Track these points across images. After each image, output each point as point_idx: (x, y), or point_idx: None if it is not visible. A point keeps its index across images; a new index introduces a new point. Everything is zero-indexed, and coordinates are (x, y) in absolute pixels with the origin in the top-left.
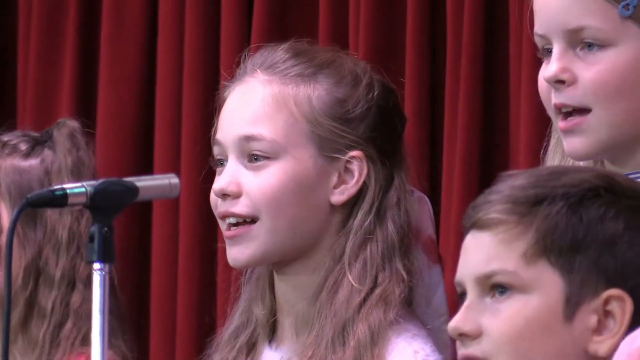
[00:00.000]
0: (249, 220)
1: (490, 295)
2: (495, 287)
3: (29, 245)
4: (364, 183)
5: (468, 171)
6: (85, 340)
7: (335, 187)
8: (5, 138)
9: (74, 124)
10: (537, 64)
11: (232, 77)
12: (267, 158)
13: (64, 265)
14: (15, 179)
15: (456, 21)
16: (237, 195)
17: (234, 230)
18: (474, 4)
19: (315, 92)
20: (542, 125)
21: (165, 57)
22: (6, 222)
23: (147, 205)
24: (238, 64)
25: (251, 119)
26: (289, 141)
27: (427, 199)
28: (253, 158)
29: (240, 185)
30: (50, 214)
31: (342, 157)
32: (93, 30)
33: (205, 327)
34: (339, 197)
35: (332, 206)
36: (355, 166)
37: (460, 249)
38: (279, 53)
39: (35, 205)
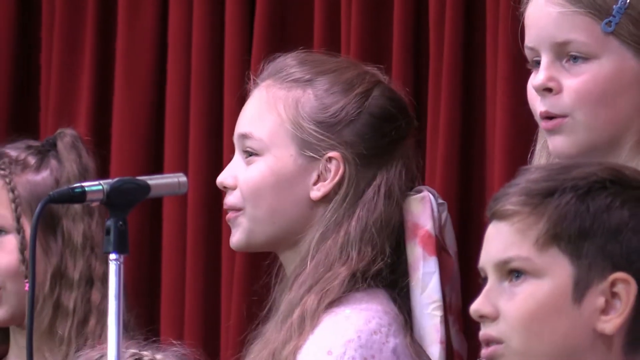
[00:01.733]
0: (237, 209)
1: (508, 280)
2: (512, 272)
3: (52, 255)
4: (339, 182)
5: (448, 169)
6: None
7: (314, 183)
8: (13, 153)
9: (73, 133)
10: (511, 75)
11: (245, 80)
12: (255, 154)
13: (81, 267)
14: (33, 193)
15: (438, 34)
16: (233, 188)
17: (229, 214)
18: (454, 18)
19: (304, 97)
20: (515, 129)
21: (174, 68)
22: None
23: (157, 202)
24: (241, 73)
25: (248, 118)
26: (273, 140)
27: (432, 198)
28: (247, 154)
29: (236, 178)
30: (66, 222)
31: (320, 157)
32: (109, 44)
33: (211, 313)
34: (316, 193)
35: (314, 202)
36: (333, 166)
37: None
38: (287, 60)
39: (56, 201)
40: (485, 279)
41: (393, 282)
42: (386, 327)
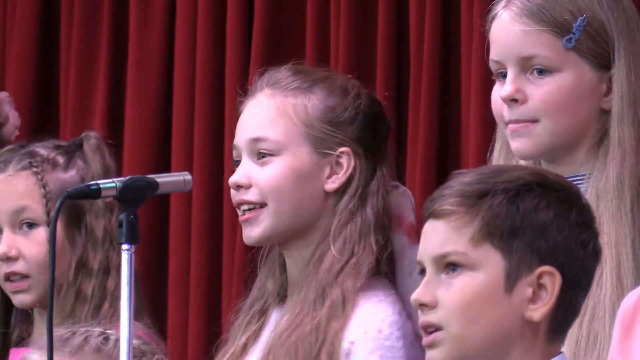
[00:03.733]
0: (259, 205)
1: (445, 273)
2: (449, 265)
3: (77, 247)
4: (351, 174)
5: (427, 168)
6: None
7: (328, 177)
8: (43, 152)
9: (97, 136)
10: (484, 83)
11: (238, 92)
12: (271, 155)
13: (100, 258)
14: (62, 190)
15: (418, 47)
16: (248, 186)
17: (247, 215)
18: (433, 33)
19: (310, 102)
20: (487, 131)
21: (180, 78)
22: (59, 227)
23: (165, 197)
24: (240, 83)
25: (259, 124)
26: (289, 141)
27: (410, 193)
28: (260, 155)
29: (250, 177)
30: (89, 218)
31: (333, 152)
32: (122, 56)
33: (214, 298)
34: (331, 185)
35: (327, 193)
36: (344, 160)
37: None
38: (282, 72)
39: (74, 197)
40: (422, 271)
41: (388, 270)
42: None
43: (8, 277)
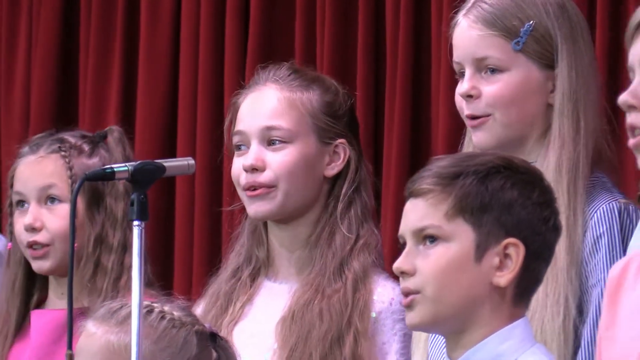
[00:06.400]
0: (271, 187)
1: (423, 244)
2: (426, 237)
3: (95, 224)
4: (347, 162)
5: (402, 157)
6: None
7: (328, 164)
8: (72, 140)
9: (120, 130)
10: (451, 81)
11: (241, 87)
12: (283, 142)
13: (119, 236)
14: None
15: (393, 49)
16: (262, 169)
17: (257, 191)
18: (407, 37)
19: (313, 97)
20: (454, 125)
21: (185, 74)
22: (81, 206)
23: (171, 180)
24: (238, 79)
25: (272, 114)
26: (299, 130)
27: None
28: (272, 142)
29: (265, 161)
30: (109, 200)
31: (333, 142)
32: (133, 56)
33: (214, 267)
34: (330, 171)
35: (325, 178)
36: (341, 149)
37: (397, 214)
38: (283, 70)
39: (91, 179)
40: (403, 244)
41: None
42: None
43: (31, 245)
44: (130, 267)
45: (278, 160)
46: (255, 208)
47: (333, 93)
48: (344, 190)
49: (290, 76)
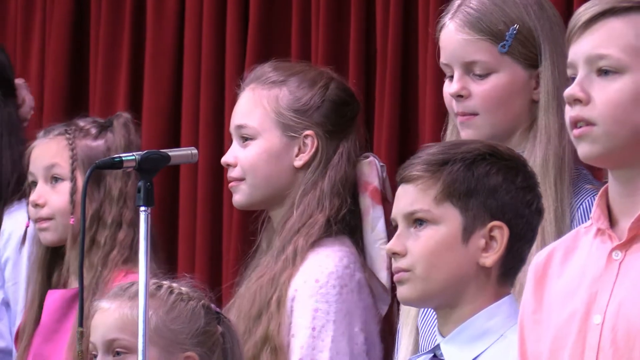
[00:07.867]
0: (240, 180)
1: (414, 227)
2: (417, 221)
3: (94, 201)
4: (315, 152)
5: (391, 145)
6: (125, 263)
7: (296, 155)
8: (81, 124)
9: (127, 115)
10: (437, 75)
11: (241, 80)
12: (250, 139)
13: (114, 213)
14: (88, 154)
15: (383, 45)
16: (235, 165)
17: (231, 183)
18: (396, 34)
19: (281, 93)
20: (440, 115)
21: (188, 69)
22: (81, 184)
23: (176, 168)
24: (238, 74)
25: (242, 113)
26: (263, 127)
27: (377, 161)
28: (243, 139)
29: (236, 157)
30: (109, 179)
31: (299, 136)
32: (140, 51)
33: (216, 250)
34: (298, 162)
35: (296, 168)
36: (309, 141)
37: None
38: (265, 68)
39: (101, 167)
40: (396, 227)
41: (354, 227)
42: (354, 264)
43: (37, 221)
44: (122, 242)
45: (243, 156)
46: (233, 199)
47: (307, 87)
48: (306, 178)
49: (269, 74)
